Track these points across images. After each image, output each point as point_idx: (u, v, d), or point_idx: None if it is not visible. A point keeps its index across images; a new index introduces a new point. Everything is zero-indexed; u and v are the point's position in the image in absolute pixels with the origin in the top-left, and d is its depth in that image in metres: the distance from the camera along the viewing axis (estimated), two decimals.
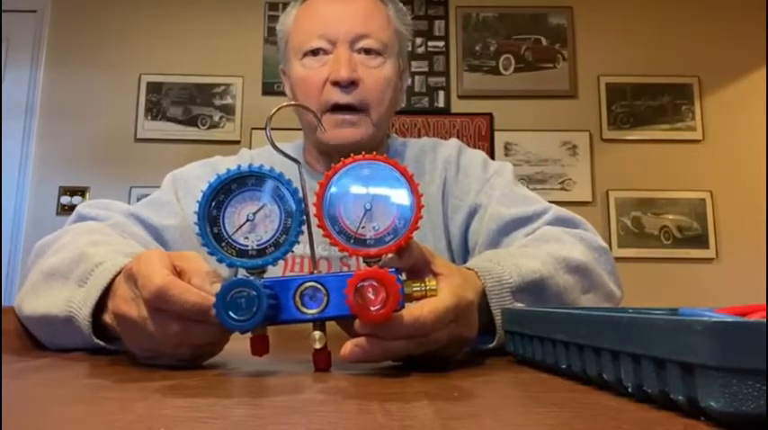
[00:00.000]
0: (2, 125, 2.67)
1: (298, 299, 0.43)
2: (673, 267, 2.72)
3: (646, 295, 2.56)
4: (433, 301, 0.43)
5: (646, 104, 2.88)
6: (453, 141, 0.92)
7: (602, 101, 2.89)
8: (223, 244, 0.44)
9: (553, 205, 0.80)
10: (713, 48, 2.90)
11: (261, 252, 0.44)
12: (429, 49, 2.95)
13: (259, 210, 0.44)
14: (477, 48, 2.97)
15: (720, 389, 0.24)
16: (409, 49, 1.11)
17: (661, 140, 2.85)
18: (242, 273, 0.46)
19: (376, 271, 0.40)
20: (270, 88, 2.88)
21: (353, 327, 0.42)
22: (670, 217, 2.78)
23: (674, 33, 2.92)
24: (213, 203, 0.44)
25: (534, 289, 0.59)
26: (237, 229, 0.44)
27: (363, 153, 0.44)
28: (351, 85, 0.79)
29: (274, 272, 0.78)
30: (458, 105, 2.91)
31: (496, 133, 2.86)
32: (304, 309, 0.43)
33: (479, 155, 0.90)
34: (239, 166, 0.45)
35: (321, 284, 0.43)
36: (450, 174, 0.87)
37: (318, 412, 0.30)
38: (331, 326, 0.45)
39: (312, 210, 0.44)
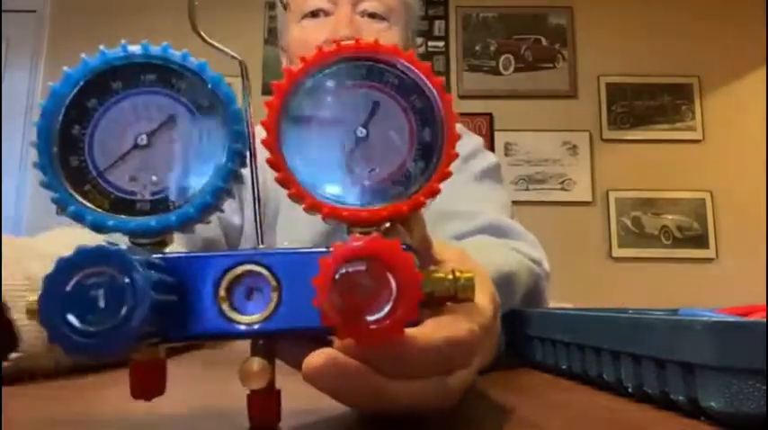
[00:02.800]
0: (2, 125, 2.67)
1: (224, 294, 0.24)
2: (673, 267, 2.72)
3: (645, 295, 2.56)
4: (472, 311, 0.26)
5: (646, 104, 2.88)
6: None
7: (602, 101, 2.89)
8: (87, 187, 0.25)
9: (494, 215, 0.71)
10: (713, 48, 2.90)
11: (159, 205, 0.25)
12: (429, 49, 2.94)
13: (159, 128, 0.26)
14: (477, 48, 2.97)
15: (721, 390, 0.24)
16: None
17: (661, 140, 2.85)
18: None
19: (378, 241, 0.21)
20: (270, 88, 2.87)
21: (314, 356, 0.22)
22: (670, 217, 2.78)
23: (674, 33, 2.92)
24: (73, 112, 0.25)
25: (505, 283, 0.50)
26: (116, 161, 0.25)
27: (358, 40, 0.26)
28: None
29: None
30: (458, 105, 2.91)
31: (496, 133, 2.86)
32: (234, 315, 0.24)
33: (469, 146, 0.83)
34: (124, 46, 0.26)
35: (267, 269, 0.24)
36: None
37: None
38: None
39: (260, 134, 0.25)
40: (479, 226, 0.68)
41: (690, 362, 0.26)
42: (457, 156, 0.26)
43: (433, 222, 0.70)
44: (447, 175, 0.25)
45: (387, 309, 0.21)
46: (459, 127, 0.91)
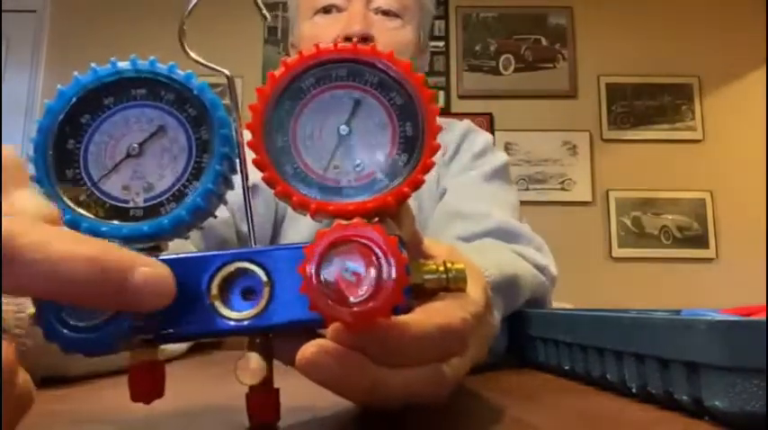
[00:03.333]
0: (2, 125, 2.67)
1: (216, 292, 0.24)
2: (673, 267, 2.72)
3: (645, 295, 2.56)
4: (465, 300, 0.27)
5: (646, 104, 2.88)
6: (464, 123, 0.86)
7: (603, 101, 2.89)
8: (82, 197, 0.26)
9: (504, 218, 0.69)
10: (713, 47, 2.90)
11: (152, 210, 0.26)
12: (429, 49, 2.94)
13: (150, 138, 0.27)
14: (477, 48, 2.97)
15: (725, 389, 0.24)
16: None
17: (661, 140, 2.85)
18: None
19: (359, 225, 0.22)
20: None
21: (307, 347, 0.22)
22: (670, 217, 2.78)
23: (674, 33, 2.92)
24: (68, 128, 0.26)
25: (509, 285, 0.50)
26: (110, 171, 0.26)
27: (337, 43, 0.27)
28: (364, 41, 0.70)
29: None
30: (458, 105, 2.91)
31: (496, 133, 2.86)
32: (227, 312, 0.24)
33: (480, 143, 0.82)
34: (114, 63, 0.27)
35: (260, 265, 0.25)
36: (449, 155, 0.82)
37: None
38: None
39: (246, 136, 0.27)
40: (487, 229, 0.67)
41: (694, 361, 0.26)
42: (439, 147, 0.26)
43: (441, 222, 0.71)
44: (430, 166, 0.26)
45: (369, 290, 0.21)
46: (468, 123, 0.88)
